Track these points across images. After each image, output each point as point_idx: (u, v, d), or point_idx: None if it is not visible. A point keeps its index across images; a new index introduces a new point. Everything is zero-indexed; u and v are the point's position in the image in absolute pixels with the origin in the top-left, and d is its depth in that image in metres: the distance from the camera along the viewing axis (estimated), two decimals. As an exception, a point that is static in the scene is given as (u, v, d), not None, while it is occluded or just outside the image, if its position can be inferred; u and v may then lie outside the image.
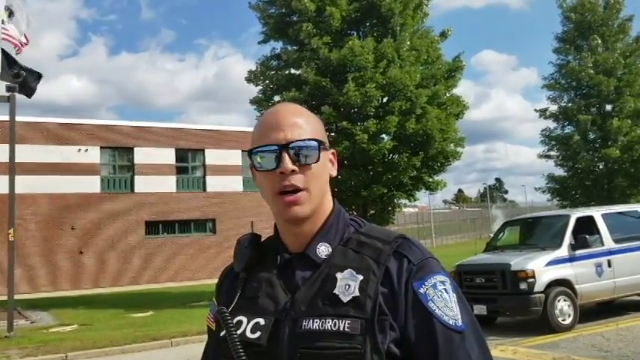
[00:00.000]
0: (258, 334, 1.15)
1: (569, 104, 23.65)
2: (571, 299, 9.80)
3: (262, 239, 1.32)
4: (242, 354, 1.11)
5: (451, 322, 1.12)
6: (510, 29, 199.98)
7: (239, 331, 1.16)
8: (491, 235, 12.84)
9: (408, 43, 16.29)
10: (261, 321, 1.16)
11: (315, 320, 1.11)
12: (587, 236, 10.23)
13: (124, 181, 27.54)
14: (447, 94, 16.92)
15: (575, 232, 10.34)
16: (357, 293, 1.11)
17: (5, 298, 12.31)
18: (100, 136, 26.76)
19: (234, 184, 29.47)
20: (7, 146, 12.67)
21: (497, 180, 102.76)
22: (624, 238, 10.86)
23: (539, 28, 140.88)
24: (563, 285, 9.84)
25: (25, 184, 22.46)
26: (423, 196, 35.83)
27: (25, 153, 23.03)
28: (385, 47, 15.75)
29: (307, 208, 1.18)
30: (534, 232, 11.80)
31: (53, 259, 24.98)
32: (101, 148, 26.84)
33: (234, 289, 1.25)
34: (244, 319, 1.18)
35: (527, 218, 13.00)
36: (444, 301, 1.13)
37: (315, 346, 1.09)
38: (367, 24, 17.20)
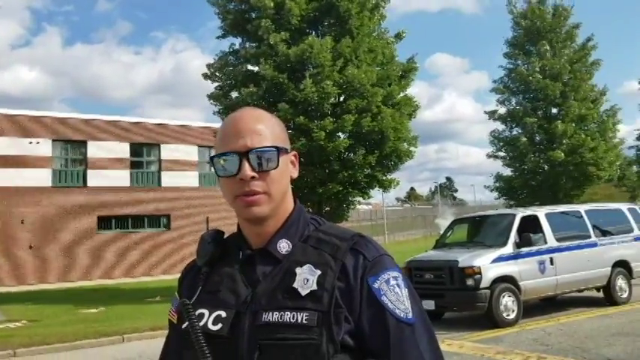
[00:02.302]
0: (219, 325, 1.19)
1: (517, 107, 24.36)
2: (515, 295, 10.12)
3: (225, 236, 1.35)
4: (204, 344, 1.16)
5: (402, 315, 1.18)
6: (464, 33, 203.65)
7: (201, 323, 1.20)
8: (440, 232, 13.14)
9: (366, 44, 16.53)
10: (223, 313, 1.20)
11: (275, 313, 1.16)
12: (531, 235, 10.57)
13: (77, 174, 26.89)
14: (401, 95, 17.27)
15: (520, 231, 10.68)
16: (314, 287, 1.17)
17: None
18: (52, 128, 26.05)
19: (190, 179, 29.18)
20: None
21: (448, 179, 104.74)
22: (566, 237, 11.32)
23: (492, 33, 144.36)
24: (507, 281, 10.14)
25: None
26: (376, 194, 36.26)
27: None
28: (343, 47, 15.94)
29: (266, 208, 1.23)
30: (481, 230, 12.09)
31: (2, 253, 24.23)
32: (53, 140, 26.14)
33: (197, 283, 1.29)
34: (206, 312, 1.22)
35: (474, 217, 13.29)
36: (396, 296, 1.20)
37: (275, 337, 1.14)
38: (325, 23, 17.36)
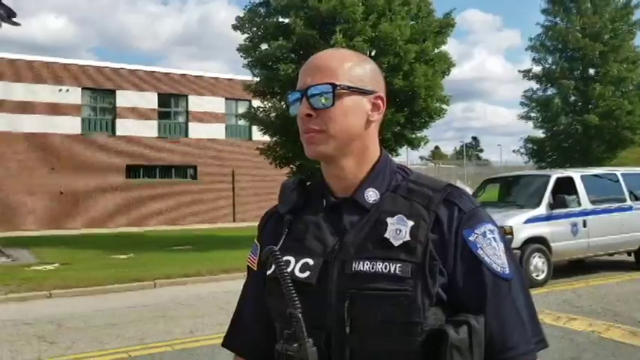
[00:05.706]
0: (307, 273, 1.15)
1: (553, 66, 23.72)
2: (545, 256, 10.05)
3: (308, 184, 1.31)
4: (294, 293, 1.10)
5: (499, 270, 1.13)
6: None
7: (288, 270, 1.14)
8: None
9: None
10: (310, 261, 1.16)
11: (366, 262, 1.11)
12: (565, 196, 10.42)
13: (105, 123, 27.18)
14: (436, 51, 16.89)
15: (554, 192, 10.51)
16: (407, 238, 1.11)
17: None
18: (81, 77, 26.21)
19: (216, 131, 29.31)
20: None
21: (474, 138, 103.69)
22: (600, 200, 11.11)
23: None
24: (539, 242, 10.06)
25: (5, 122, 22.07)
26: (401, 152, 35.91)
27: (5, 90, 22.56)
28: (376, -1, 15.55)
29: (326, 147, 1.17)
30: (514, 191, 11.91)
31: (33, 198, 24.81)
32: (82, 89, 26.34)
33: (280, 230, 1.24)
34: (292, 259, 1.18)
35: (507, 177, 13.10)
36: (493, 250, 1.15)
37: (365, 287, 1.09)
38: (359, -26, 16.88)
